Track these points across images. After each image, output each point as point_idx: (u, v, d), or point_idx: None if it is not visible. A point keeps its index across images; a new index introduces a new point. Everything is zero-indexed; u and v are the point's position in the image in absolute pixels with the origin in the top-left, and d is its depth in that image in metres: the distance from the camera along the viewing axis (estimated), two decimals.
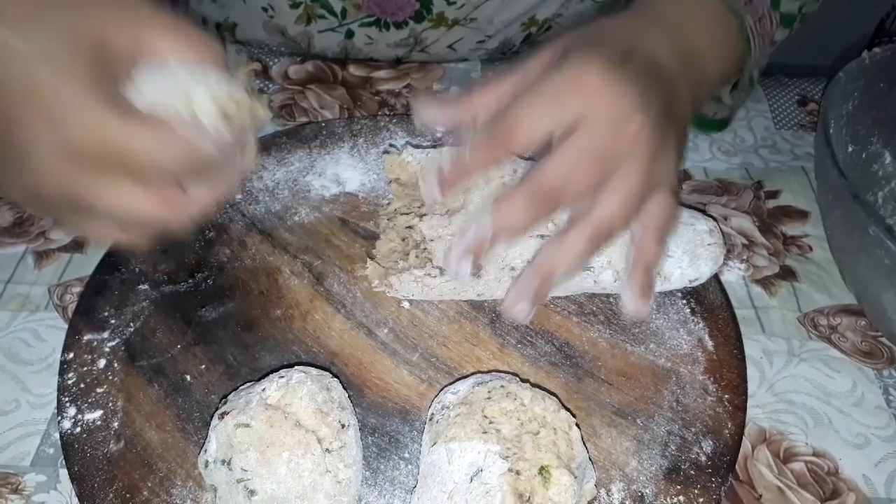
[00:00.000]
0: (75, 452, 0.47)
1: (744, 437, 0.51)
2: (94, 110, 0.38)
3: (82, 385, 0.50)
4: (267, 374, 0.46)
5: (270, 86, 0.78)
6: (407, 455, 0.48)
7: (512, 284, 0.50)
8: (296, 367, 0.45)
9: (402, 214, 0.56)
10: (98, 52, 0.40)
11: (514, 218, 0.47)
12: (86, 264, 0.60)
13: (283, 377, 0.43)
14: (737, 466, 0.51)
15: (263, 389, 0.43)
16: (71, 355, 0.52)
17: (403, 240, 0.55)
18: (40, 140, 0.39)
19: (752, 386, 0.55)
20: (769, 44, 0.64)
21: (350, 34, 0.85)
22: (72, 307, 0.57)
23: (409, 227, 0.55)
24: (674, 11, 0.56)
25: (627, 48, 0.50)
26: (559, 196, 0.47)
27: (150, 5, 0.43)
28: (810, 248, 0.66)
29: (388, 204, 0.59)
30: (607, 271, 0.52)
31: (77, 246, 0.63)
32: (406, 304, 0.56)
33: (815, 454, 0.53)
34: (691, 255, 0.54)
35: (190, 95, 0.40)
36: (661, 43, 0.53)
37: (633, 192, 0.48)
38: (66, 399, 0.50)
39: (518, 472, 0.40)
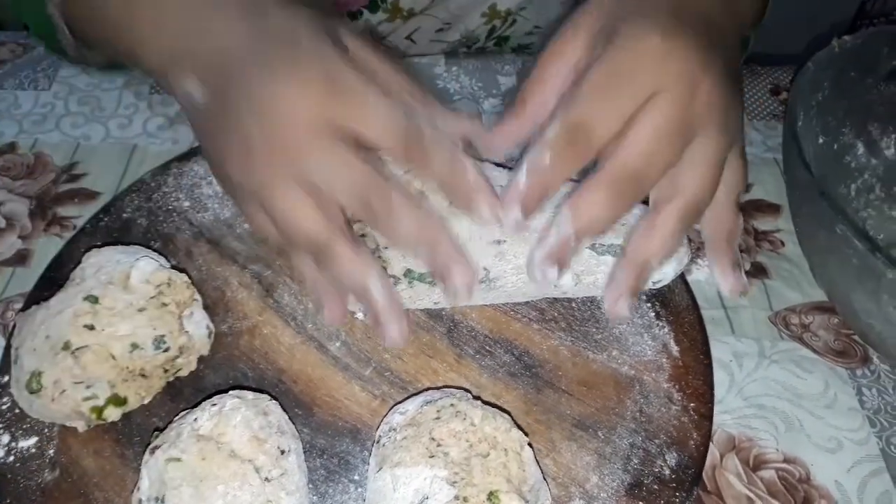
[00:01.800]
0: (8, 483, 0.45)
1: (712, 445, 0.50)
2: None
3: (17, 410, 0.48)
4: (211, 395, 0.44)
5: None
6: (357, 477, 0.45)
7: (607, 283, 0.46)
8: (230, 393, 0.42)
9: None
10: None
11: (596, 213, 0.42)
12: (30, 278, 0.58)
13: (215, 405, 0.41)
14: (705, 476, 0.49)
15: (195, 419, 0.40)
16: (7, 378, 0.49)
17: None
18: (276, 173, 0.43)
19: (720, 391, 0.53)
20: None
21: None
22: (12, 325, 0.54)
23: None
24: None
25: (675, 6, 0.46)
26: (643, 182, 0.43)
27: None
28: (782, 244, 0.64)
29: None
30: (567, 275, 0.50)
31: (20, 259, 0.61)
32: (360, 315, 0.53)
33: (785, 461, 0.51)
34: None
35: None
36: None
37: (715, 161, 0.44)
38: (0, 426, 0.47)
39: (465, 499, 0.38)
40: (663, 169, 0.43)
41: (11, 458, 0.46)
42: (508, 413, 0.44)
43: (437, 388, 0.46)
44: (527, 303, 0.54)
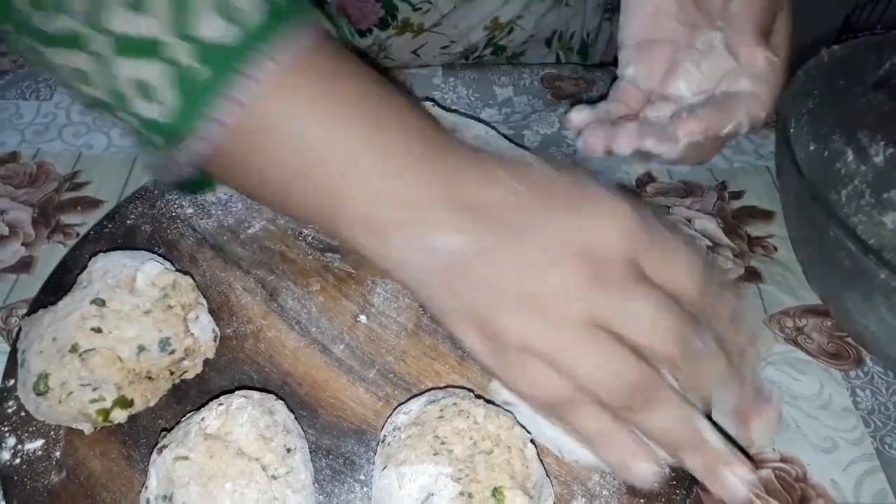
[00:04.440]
0: (15, 485, 0.45)
1: None
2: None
3: (23, 413, 0.48)
4: (216, 397, 0.45)
5: None
6: (362, 477, 0.46)
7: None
8: (236, 393, 0.43)
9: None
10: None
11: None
12: (33, 285, 0.58)
13: (222, 404, 0.42)
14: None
15: (202, 419, 0.41)
16: (12, 382, 0.50)
17: None
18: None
19: None
20: None
21: None
22: (16, 330, 0.54)
23: None
24: None
25: None
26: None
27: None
28: (775, 249, 0.65)
29: None
30: None
31: (24, 266, 0.61)
32: (363, 319, 0.54)
33: (782, 460, 0.52)
34: None
35: None
36: None
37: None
38: (6, 429, 0.47)
39: (470, 495, 0.38)
40: None
41: (18, 460, 0.46)
42: (511, 412, 0.45)
43: (440, 388, 0.47)
44: None
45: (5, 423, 0.48)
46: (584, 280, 0.38)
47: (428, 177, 0.41)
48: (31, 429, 0.48)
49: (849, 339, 0.58)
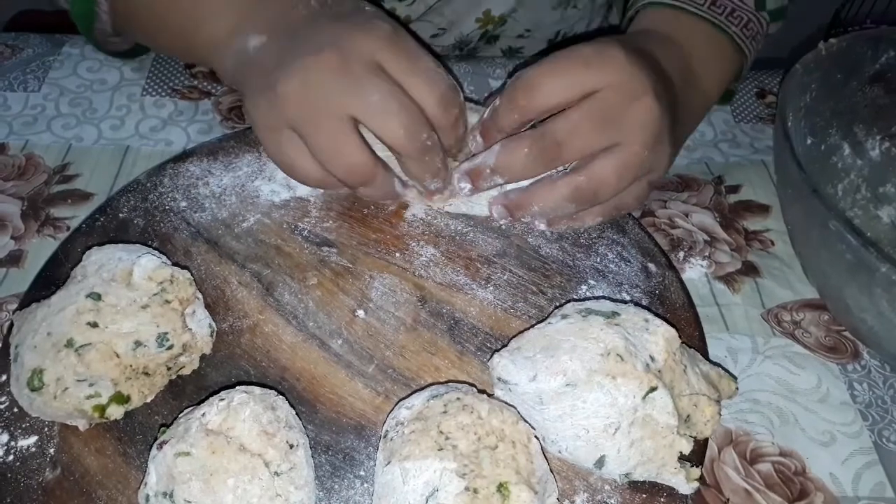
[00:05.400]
0: (8, 482, 0.44)
1: (710, 440, 0.50)
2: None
3: (16, 409, 0.47)
4: (214, 393, 0.44)
5: (218, 88, 0.76)
6: (363, 473, 0.46)
7: (498, 194, 0.58)
8: (237, 388, 0.42)
9: None
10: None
11: (515, 159, 0.52)
12: (23, 279, 0.57)
13: (223, 399, 0.41)
14: (704, 470, 0.50)
15: (203, 414, 0.40)
16: (4, 377, 0.49)
17: None
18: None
19: None
20: (762, 40, 0.69)
21: None
22: (7, 325, 0.53)
23: None
24: (676, 36, 0.62)
25: (642, 49, 0.55)
26: (561, 149, 0.51)
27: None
28: (772, 243, 0.65)
29: None
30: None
31: (14, 260, 0.60)
32: (361, 314, 0.54)
33: (781, 454, 0.52)
34: None
35: None
36: (667, 60, 0.58)
37: (629, 166, 0.52)
38: None
39: (476, 491, 0.38)
40: (583, 147, 0.52)
41: (11, 457, 0.45)
42: (514, 407, 0.44)
43: (442, 384, 0.46)
44: (526, 301, 0.54)
45: None
46: (332, 66, 0.50)
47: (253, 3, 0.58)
48: (24, 425, 0.47)
49: (846, 333, 0.59)
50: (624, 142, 0.51)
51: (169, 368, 0.47)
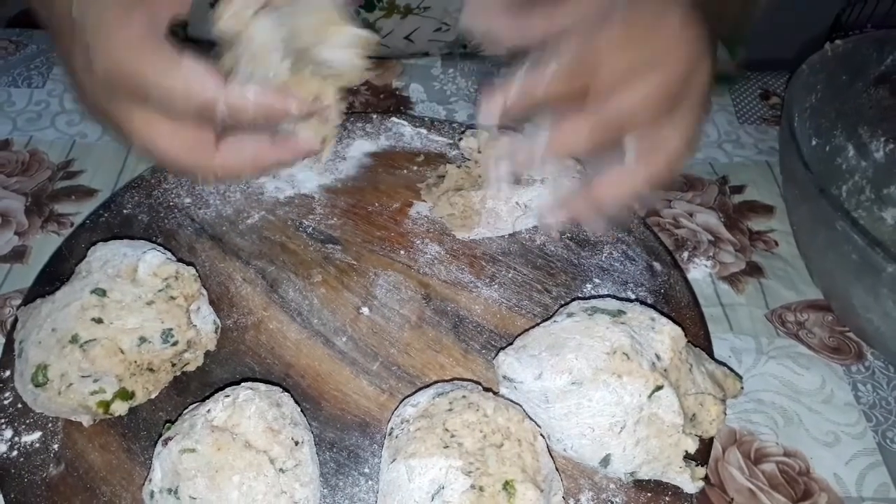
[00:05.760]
0: (12, 478, 0.44)
1: (715, 439, 0.50)
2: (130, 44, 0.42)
3: (20, 405, 0.47)
4: (219, 389, 0.44)
5: None
6: (367, 470, 0.45)
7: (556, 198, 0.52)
8: (242, 384, 0.42)
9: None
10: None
11: (572, 140, 0.46)
12: (27, 275, 0.57)
13: (228, 396, 0.41)
14: (708, 470, 0.50)
15: (208, 411, 0.40)
16: (8, 373, 0.48)
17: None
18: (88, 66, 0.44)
19: None
20: None
21: None
22: (11, 321, 0.53)
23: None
24: None
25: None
26: (623, 127, 0.47)
27: None
28: (776, 244, 0.65)
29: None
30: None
31: (17, 256, 0.60)
32: (365, 311, 0.53)
33: (785, 454, 0.52)
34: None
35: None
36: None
37: (690, 135, 0.48)
38: (2, 420, 0.46)
39: (481, 489, 0.38)
40: (646, 123, 0.47)
41: (15, 452, 0.45)
42: (520, 405, 0.44)
43: (447, 381, 0.46)
44: (531, 299, 0.54)
45: (1, 415, 0.47)
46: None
47: None
48: (28, 420, 0.47)
49: (850, 334, 0.59)
50: (681, 112, 0.48)
51: (173, 365, 0.47)
